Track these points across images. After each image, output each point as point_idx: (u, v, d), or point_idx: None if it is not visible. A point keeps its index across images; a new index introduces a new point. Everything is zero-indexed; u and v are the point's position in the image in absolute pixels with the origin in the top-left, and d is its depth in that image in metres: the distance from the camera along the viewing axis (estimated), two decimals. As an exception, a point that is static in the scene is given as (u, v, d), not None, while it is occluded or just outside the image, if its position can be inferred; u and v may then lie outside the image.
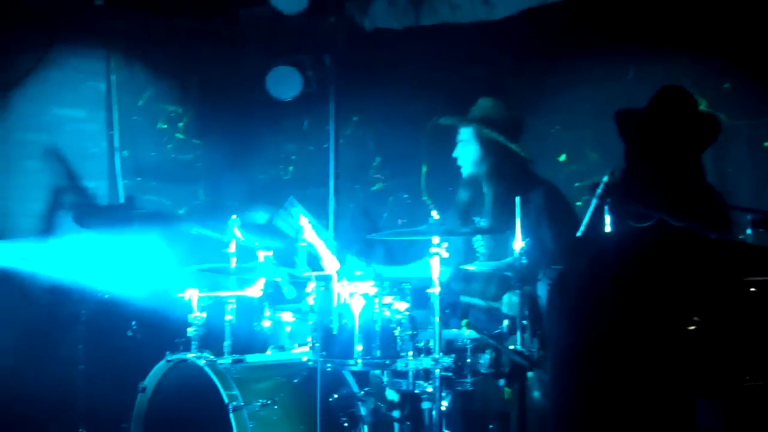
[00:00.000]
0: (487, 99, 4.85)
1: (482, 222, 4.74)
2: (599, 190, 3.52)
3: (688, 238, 3.08)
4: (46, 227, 5.80)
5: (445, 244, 4.11)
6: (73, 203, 5.92)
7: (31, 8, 5.73)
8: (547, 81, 5.77)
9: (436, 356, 4.04)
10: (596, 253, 3.22)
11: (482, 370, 4.17)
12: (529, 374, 3.93)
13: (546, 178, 4.79)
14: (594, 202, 3.51)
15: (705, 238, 3.11)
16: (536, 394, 4.06)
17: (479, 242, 4.82)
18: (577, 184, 5.53)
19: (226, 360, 4.35)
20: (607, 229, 3.42)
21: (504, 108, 4.81)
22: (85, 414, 5.26)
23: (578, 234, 3.54)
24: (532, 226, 4.36)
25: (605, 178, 3.52)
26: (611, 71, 5.51)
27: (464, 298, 4.77)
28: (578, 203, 5.03)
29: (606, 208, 3.47)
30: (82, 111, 6.08)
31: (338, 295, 4.13)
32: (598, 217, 3.49)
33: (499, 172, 4.71)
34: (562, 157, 5.78)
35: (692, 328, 2.84)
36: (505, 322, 4.20)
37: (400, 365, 4.06)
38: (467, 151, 4.79)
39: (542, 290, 3.48)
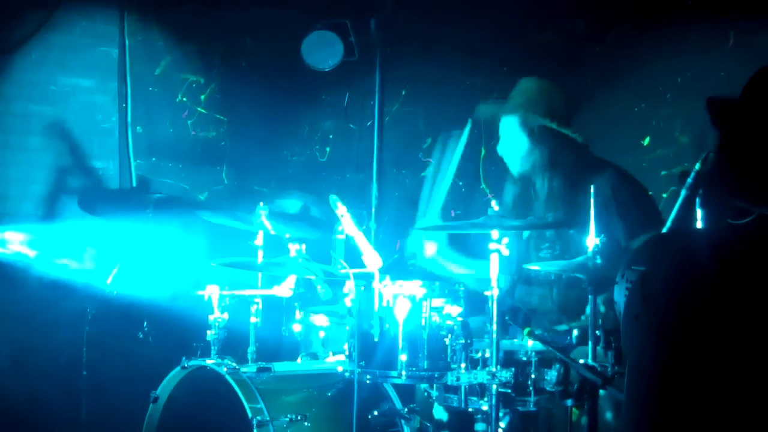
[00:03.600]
0: (530, 79, 4.83)
1: (549, 216, 4.74)
2: (690, 180, 3.48)
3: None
4: (49, 212, 5.85)
5: (505, 240, 4.07)
6: (79, 186, 5.97)
7: (35, -39, 5.80)
8: (630, 50, 5.73)
9: (493, 370, 4.02)
10: (686, 253, 3.14)
11: (547, 388, 4.14)
12: (602, 393, 3.89)
13: (624, 164, 4.76)
14: (683, 193, 3.47)
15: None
16: (609, 415, 4.04)
17: (544, 243, 4.82)
18: (663, 173, 5.50)
19: (250, 368, 4.36)
20: (699, 225, 3.37)
21: (551, 88, 4.80)
22: (90, 426, 5.30)
23: (664, 230, 3.49)
24: (600, 219, 4.32)
25: (697, 166, 3.47)
26: (707, 39, 5.44)
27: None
28: (664, 195, 4.98)
29: (698, 200, 3.41)
30: (91, 80, 6.12)
31: (380, 296, 4.12)
32: (687, 212, 3.44)
33: (554, 163, 4.72)
34: (646, 141, 5.72)
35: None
36: (575, 333, 4.18)
37: (450, 379, 4.05)
38: (514, 146, 4.79)
39: (620, 295, 3.43)
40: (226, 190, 6.39)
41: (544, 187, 4.73)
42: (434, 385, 4.17)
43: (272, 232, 4.66)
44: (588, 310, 4.27)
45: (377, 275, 4.17)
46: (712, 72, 5.19)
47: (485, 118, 4.97)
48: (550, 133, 4.68)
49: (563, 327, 4.49)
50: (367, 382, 4.11)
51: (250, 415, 4.13)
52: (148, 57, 6.25)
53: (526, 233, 4.90)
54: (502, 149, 4.85)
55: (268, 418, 4.13)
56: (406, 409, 4.15)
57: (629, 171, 4.79)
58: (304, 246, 4.58)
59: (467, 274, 4.76)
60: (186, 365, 4.41)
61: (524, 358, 4.18)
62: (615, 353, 3.91)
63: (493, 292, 4.04)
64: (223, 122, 6.45)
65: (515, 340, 4.33)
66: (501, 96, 4.96)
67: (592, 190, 4.02)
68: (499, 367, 4.02)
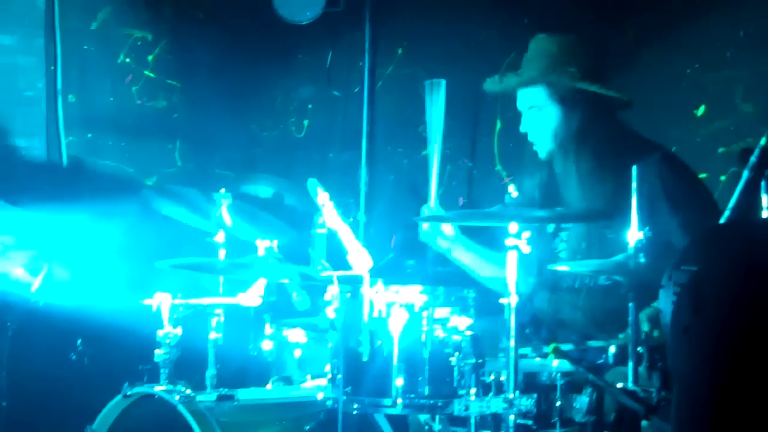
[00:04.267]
0: (544, 38, 4.85)
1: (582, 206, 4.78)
2: (753, 158, 3.49)
3: None
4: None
5: (526, 234, 4.06)
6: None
7: None
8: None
9: (511, 396, 3.99)
10: (748, 249, 3.16)
11: (577, 418, 4.12)
12: (644, 424, 3.87)
13: (673, 139, 4.78)
14: (745, 174, 3.48)
15: None
16: (654, 452, 4.03)
17: (574, 239, 4.86)
18: (721, 150, 5.50)
19: (209, 396, 4.36)
20: (765, 214, 3.39)
21: (575, 43, 4.83)
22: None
23: (721, 221, 3.49)
24: (645, 212, 4.35)
25: (763, 141, 3.48)
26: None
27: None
28: (722, 177, 4.98)
29: (763, 184, 3.44)
30: (12, 37, 6.12)
31: (370, 305, 4.10)
32: (751, 197, 3.46)
33: (588, 138, 4.76)
34: (701, 111, 5.72)
35: None
36: (612, 350, 4.18)
37: (457, 408, 4.02)
38: (543, 121, 4.83)
39: (667, 302, 3.43)
40: (180, 174, 6.40)
41: (572, 170, 4.78)
42: (437, 417, 4.16)
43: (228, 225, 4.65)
44: (629, 322, 4.29)
45: (367, 279, 4.14)
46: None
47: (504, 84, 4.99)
48: (584, 97, 4.73)
49: (598, 343, 4.48)
50: (354, 412, 4.07)
51: (208, 454, 4.14)
52: (82, 7, 6.25)
53: (551, 227, 4.91)
54: (527, 127, 4.88)
55: (231, 458, 4.15)
56: (402, 447, 4.16)
57: (679, 148, 4.80)
58: (276, 243, 4.57)
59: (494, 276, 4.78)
60: (129, 393, 4.40)
61: (548, 382, 4.16)
62: (661, 375, 3.90)
63: (511, 300, 4.02)
64: (175, 89, 6.46)
65: (537, 359, 4.33)
66: (520, 54, 4.95)
67: (634, 172, 4.02)
68: (517, 393, 3.99)
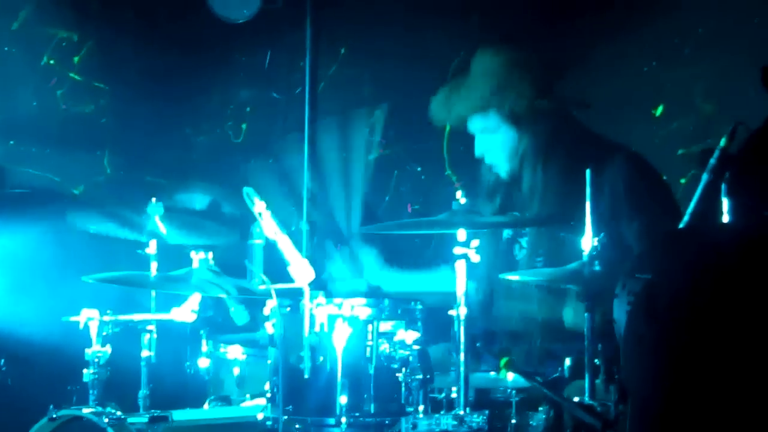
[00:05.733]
0: (487, 54, 4.87)
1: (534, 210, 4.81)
2: (713, 160, 3.53)
3: None
4: None
5: (475, 242, 4.10)
6: None
7: None
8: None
9: (461, 413, 4.02)
10: (705, 256, 3.19)
11: (533, 436, 4.15)
12: (603, 440, 3.93)
13: (631, 140, 4.81)
14: (705, 177, 3.53)
15: None
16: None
17: (530, 248, 4.90)
18: (681, 152, 5.56)
19: (141, 418, 4.34)
20: (725, 219, 3.40)
21: (523, 56, 4.85)
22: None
23: (680, 226, 3.54)
24: (605, 215, 4.37)
25: (722, 142, 3.51)
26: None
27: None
28: (682, 180, 5.02)
29: (723, 187, 3.45)
30: None
31: (312, 319, 4.12)
32: (711, 201, 3.49)
33: (555, 149, 4.80)
34: (659, 110, 5.79)
35: None
36: (567, 362, 4.17)
37: (405, 427, 4.04)
38: (499, 143, 4.88)
39: (620, 312, 3.46)
40: (109, 183, 6.37)
41: (537, 179, 4.81)
42: (386, 436, 4.18)
43: (164, 233, 4.65)
44: (567, 314, 4.34)
45: (308, 292, 4.16)
46: (743, 19, 5.23)
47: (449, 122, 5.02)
48: (540, 113, 4.78)
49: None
50: (297, 432, 4.12)
51: (141, 480, 4.14)
52: (2, 6, 6.19)
53: (505, 234, 4.95)
54: (481, 150, 4.92)
55: (165, 484, 4.15)
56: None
57: (637, 149, 4.83)
58: (211, 255, 4.56)
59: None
60: (55, 416, 4.36)
61: (502, 398, 4.21)
62: (619, 388, 3.92)
63: (460, 312, 4.06)
64: (103, 92, 6.42)
65: (490, 373, 4.35)
66: (469, 52, 4.97)
67: (588, 176, 4.05)
68: (468, 409, 4.02)
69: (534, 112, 4.77)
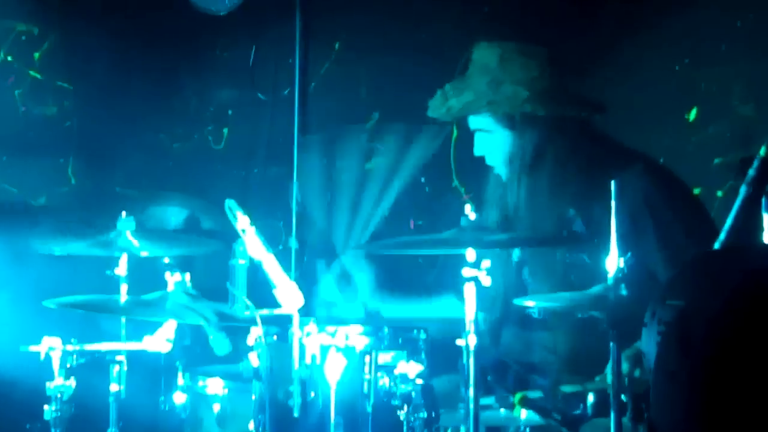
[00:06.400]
0: (485, 48, 4.90)
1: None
2: (752, 171, 3.55)
3: None
4: None
5: (486, 263, 4.08)
6: None
7: None
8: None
9: (471, 456, 4.03)
10: (746, 280, 3.19)
11: (551, 481, 4.18)
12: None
13: (661, 148, 4.81)
14: (743, 190, 3.56)
15: None
16: None
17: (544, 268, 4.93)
18: (717, 160, 5.56)
19: (109, 461, 4.35)
20: (767, 237, 3.42)
21: (525, 51, 4.88)
22: None
23: (716, 245, 3.56)
24: (625, 233, 4.38)
25: (763, 150, 3.53)
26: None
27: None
28: (719, 193, 5.01)
29: (765, 201, 3.50)
30: None
31: (302, 349, 4.11)
32: (750, 217, 3.53)
33: (541, 163, 4.85)
34: (692, 114, 5.79)
35: None
36: (590, 398, 4.19)
37: (407, 471, 4.06)
38: (494, 145, 4.92)
39: (650, 343, 3.46)
40: (74, 193, 6.39)
41: (520, 192, 4.87)
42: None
43: (142, 254, 4.64)
44: (609, 365, 4.31)
45: (297, 318, 4.15)
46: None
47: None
48: (541, 121, 4.81)
49: (572, 388, 4.50)
50: (285, 478, 4.12)
51: None
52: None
53: (516, 254, 4.95)
54: (480, 149, 4.96)
55: None
56: None
57: (668, 158, 4.85)
58: (188, 276, 4.56)
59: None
60: (13, 458, 4.41)
61: (516, 438, 4.21)
62: (648, 428, 3.92)
63: (469, 341, 4.04)
64: (67, 92, 6.44)
65: (502, 410, 4.35)
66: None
67: (613, 188, 4.06)
68: (479, 451, 4.04)
69: (530, 114, 4.80)
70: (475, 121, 4.93)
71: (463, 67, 4.95)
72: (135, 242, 4.66)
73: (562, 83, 4.86)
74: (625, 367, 4.22)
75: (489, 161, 4.96)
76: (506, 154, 4.90)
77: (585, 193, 4.61)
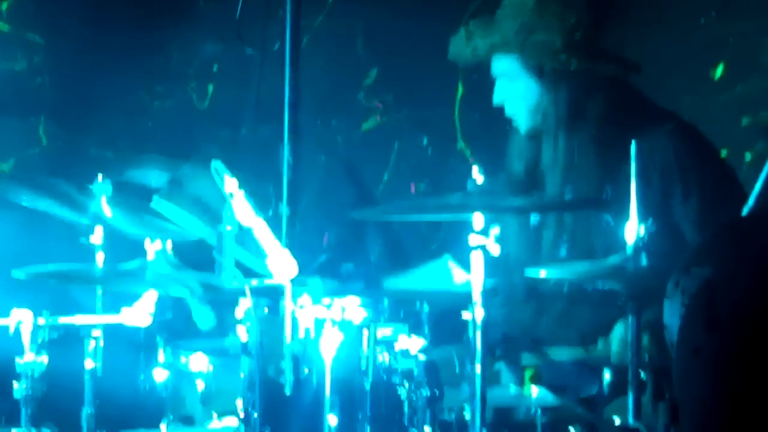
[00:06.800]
0: None
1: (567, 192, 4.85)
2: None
3: None
4: None
5: (495, 230, 4.06)
6: None
7: None
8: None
9: (477, 437, 4.02)
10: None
11: (563, 466, 4.18)
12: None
13: (684, 107, 4.81)
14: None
15: None
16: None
17: (562, 236, 4.94)
18: (745, 121, 5.58)
19: (84, 442, 4.34)
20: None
21: None
22: None
23: (744, 212, 3.60)
24: (653, 198, 4.38)
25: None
26: None
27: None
28: (747, 155, 5.02)
29: None
30: None
31: (295, 323, 4.09)
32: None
33: (582, 119, 4.85)
34: (719, 71, 5.81)
35: None
36: (607, 376, 4.21)
37: (408, 454, 4.06)
38: (517, 93, 4.93)
39: (673, 316, 3.46)
40: (46, 156, 6.41)
41: (558, 151, 4.85)
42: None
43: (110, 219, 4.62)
44: (617, 331, 4.31)
45: (289, 290, 4.14)
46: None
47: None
48: (576, 75, 4.82)
49: (569, 353, 4.57)
50: (275, 461, 4.13)
51: None
52: None
53: (535, 218, 4.95)
54: (500, 97, 4.96)
55: None
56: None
57: (692, 118, 4.87)
58: (170, 244, 4.54)
59: None
60: (-20, 439, 4.38)
61: (526, 419, 4.23)
62: (670, 407, 3.91)
63: (476, 313, 4.01)
64: (38, 46, 6.44)
65: (511, 388, 4.36)
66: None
67: (633, 149, 4.04)
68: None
69: (562, 67, 4.80)
70: (498, 65, 4.92)
71: (492, 2, 4.94)
72: (107, 209, 4.64)
73: (600, 36, 4.85)
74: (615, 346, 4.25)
75: (509, 112, 4.96)
76: (531, 105, 4.90)
77: (616, 153, 4.60)
